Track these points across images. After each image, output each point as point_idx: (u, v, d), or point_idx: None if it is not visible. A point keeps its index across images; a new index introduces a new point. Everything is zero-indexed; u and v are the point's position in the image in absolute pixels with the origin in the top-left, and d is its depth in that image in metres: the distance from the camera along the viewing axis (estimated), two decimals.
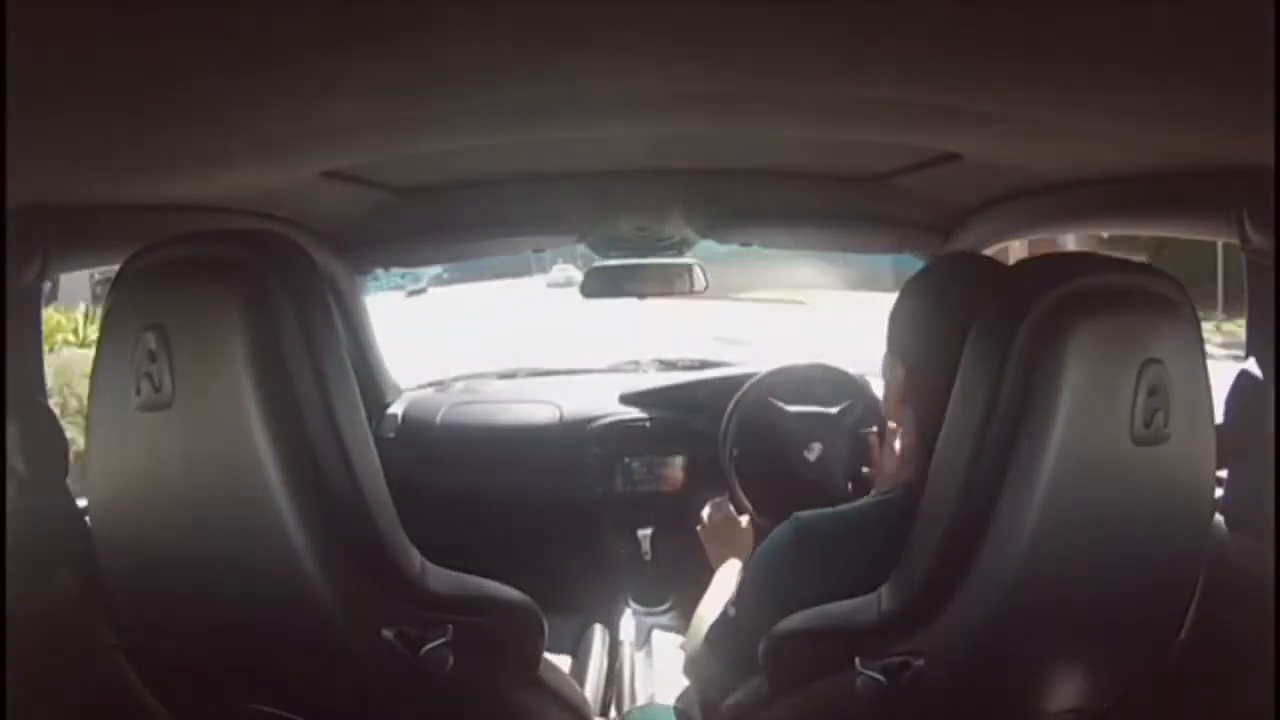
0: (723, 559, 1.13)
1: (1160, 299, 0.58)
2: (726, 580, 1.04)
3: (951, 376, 0.68)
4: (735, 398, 1.52)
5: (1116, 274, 0.59)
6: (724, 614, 0.89)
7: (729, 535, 1.21)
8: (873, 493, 0.82)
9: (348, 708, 0.67)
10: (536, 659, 0.83)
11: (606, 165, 1.14)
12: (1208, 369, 0.59)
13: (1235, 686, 0.64)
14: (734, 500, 1.48)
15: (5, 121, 0.45)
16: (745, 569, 0.86)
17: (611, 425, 1.61)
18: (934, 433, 0.71)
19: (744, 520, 1.25)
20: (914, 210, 1.23)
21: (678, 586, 1.57)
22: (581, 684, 1.36)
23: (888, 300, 0.83)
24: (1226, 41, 0.44)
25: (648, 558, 1.63)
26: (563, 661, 1.41)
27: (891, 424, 0.84)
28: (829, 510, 0.78)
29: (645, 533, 1.62)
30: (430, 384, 1.84)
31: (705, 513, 1.29)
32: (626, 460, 1.60)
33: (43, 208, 0.71)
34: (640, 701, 1.29)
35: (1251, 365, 0.69)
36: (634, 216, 1.31)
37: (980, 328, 0.60)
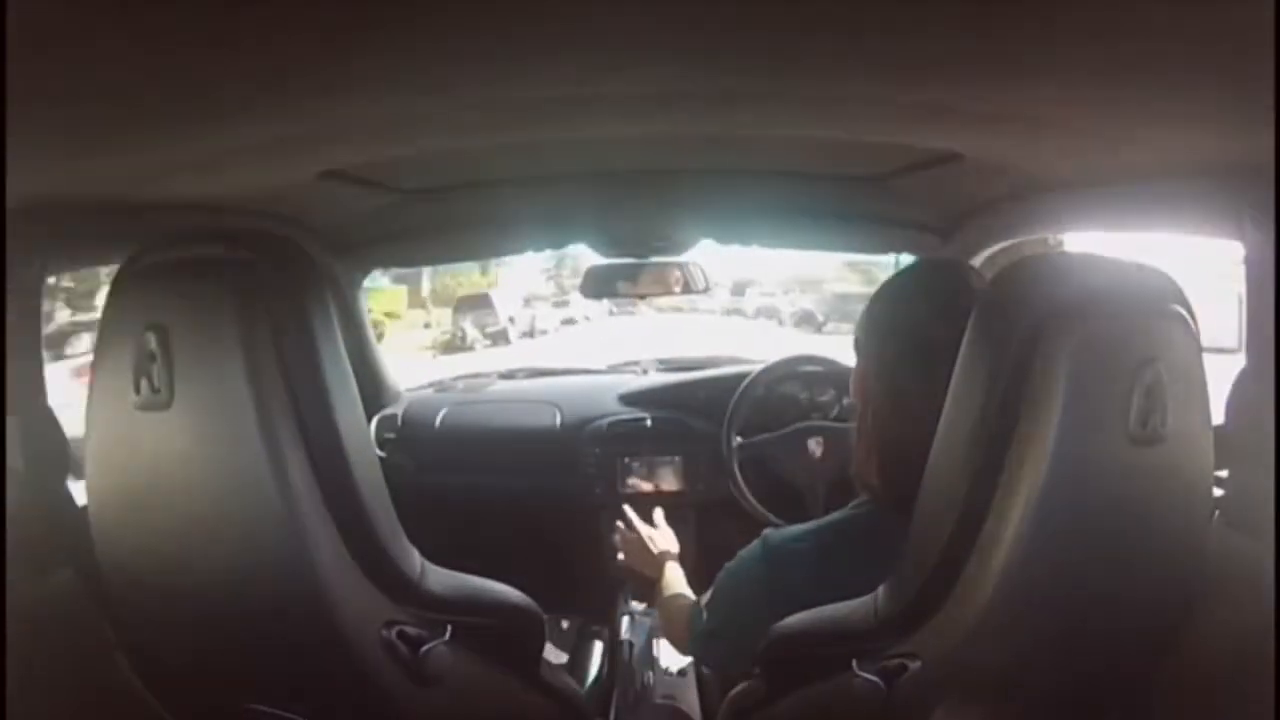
0: (654, 566, 1.22)
1: (1156, 298, 0.58)
2: (676, 578, 1.16)
3: (902, 384, 0.71)
4: (738, 391, 1.52)
5: (1112, 274, 0.59)
6: (701, 617, 0.90)
7: (646, 548, 1.27)
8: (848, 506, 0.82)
9: (348, 708, 0.67)
10: (536, 659, 0.83)
11: (606, 165, 1.14)
12: (1204, 368, 0.59)
13: (1235, 687, 0.64)
14: (736, 493, 1.49)
15: (5, 121, 0.45)
16: (718, 578, 0.87)
17: (611, 425, 1.61)
18: (887, 439, 0.74)
19: (658, 519, 1.33)
20: (914, 210, 1.23)
21: None
22: (581, 684, 1.36)
23: None
24: (1227, 41, 0.44)
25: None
26: (563, 661, 1.41)
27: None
28: (797, 530, 0.79)
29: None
30: (430, 384, 1.84)
31: (616, 538, 1.34)
32: (626, 460, 1.60)
33: (43, 208, 0.71)
34: (639, 701, 1.29)
35: (1251, 365, 0.69)
36: (634, 216, 1.31)
37: (976, 328, 0.60)
